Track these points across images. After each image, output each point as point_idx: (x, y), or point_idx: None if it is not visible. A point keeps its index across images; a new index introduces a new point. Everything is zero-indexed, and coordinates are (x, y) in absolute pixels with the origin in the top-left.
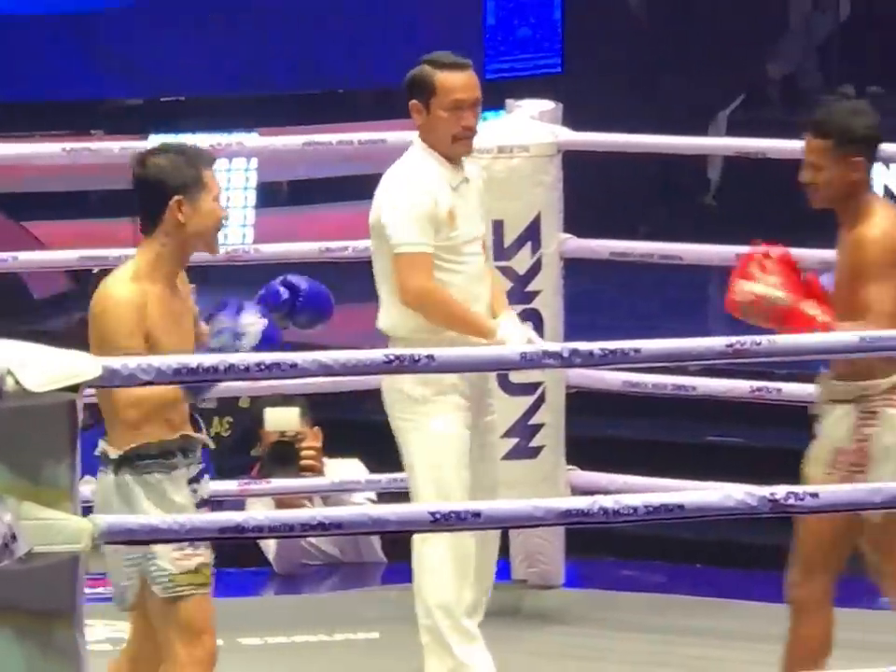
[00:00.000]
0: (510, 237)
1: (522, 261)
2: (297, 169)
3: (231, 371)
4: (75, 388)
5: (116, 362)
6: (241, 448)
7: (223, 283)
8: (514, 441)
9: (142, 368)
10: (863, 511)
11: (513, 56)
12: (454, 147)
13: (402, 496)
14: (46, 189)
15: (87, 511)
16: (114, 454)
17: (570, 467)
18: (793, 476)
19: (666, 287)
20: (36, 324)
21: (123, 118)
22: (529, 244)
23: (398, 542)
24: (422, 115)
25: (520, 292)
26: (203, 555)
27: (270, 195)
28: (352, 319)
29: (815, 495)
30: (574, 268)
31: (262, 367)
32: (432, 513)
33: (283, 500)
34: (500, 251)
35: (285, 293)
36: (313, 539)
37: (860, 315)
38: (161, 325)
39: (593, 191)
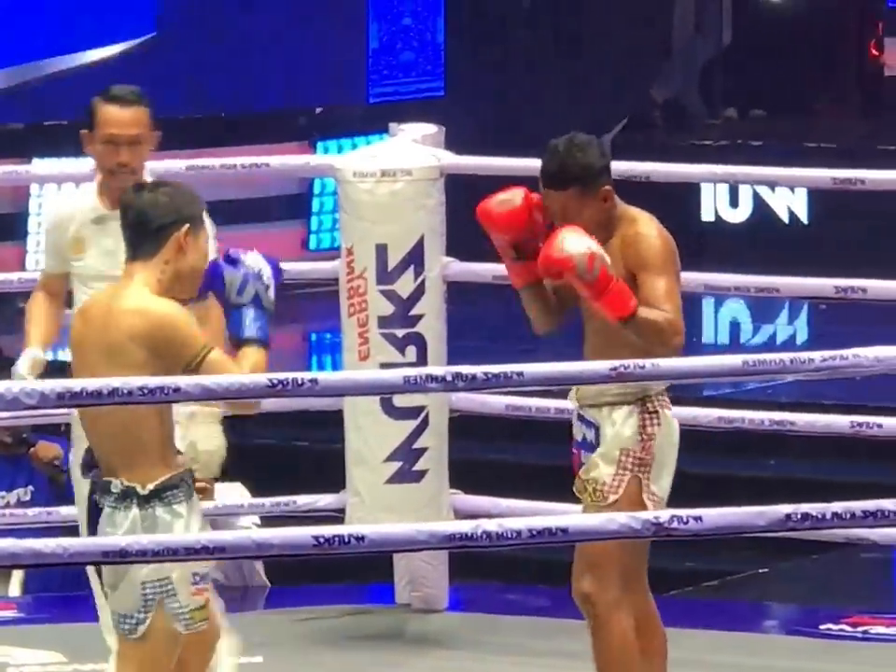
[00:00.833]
0: (393, 261)
1: (405, 285)
2: None
3: (115, 395)
4: None
5: None
6: None
7: None
8: (398, 464)
9: (26, 392)
10: None
11: (396, 80)
12: (111, 181)
13: (285, 520)
14: None
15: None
16: (143, 489)
17: (454, 490)
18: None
19: None
20: None
21: (5, 141)
22: (412, 267)
23: (281, 567)
24: (89, 144)
25: (403, 316)
26: (209, 590)
27: None
28: None
29: (698, 518)
30: (457, 292)
31: (145, 391)
32: (315, 537)
33: None
34: (384, 275)
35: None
36: None
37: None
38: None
39: (475, 215)
